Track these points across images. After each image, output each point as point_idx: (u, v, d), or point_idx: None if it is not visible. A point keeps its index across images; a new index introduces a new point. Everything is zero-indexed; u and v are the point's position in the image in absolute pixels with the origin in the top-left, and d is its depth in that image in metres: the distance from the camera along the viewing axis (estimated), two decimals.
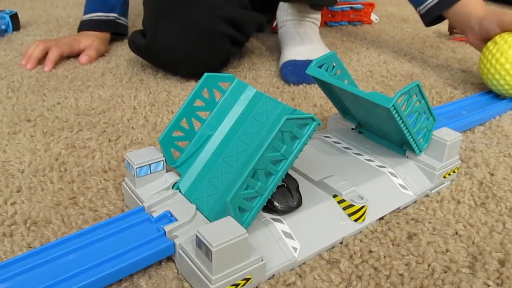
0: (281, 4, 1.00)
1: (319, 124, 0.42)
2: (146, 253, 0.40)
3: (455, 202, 0.53)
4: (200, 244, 0.37)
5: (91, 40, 0.98)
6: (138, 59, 0.95)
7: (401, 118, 0.49)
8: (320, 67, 0.55)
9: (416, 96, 0.50)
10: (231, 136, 0.48)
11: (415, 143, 0.52)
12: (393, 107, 0.47)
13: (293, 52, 0.90)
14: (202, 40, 0.80)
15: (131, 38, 0.86)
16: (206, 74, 0.49)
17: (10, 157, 0.61)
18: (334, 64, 0.56)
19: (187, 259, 0.40)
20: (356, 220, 0.47)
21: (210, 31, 0.80)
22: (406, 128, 0.50)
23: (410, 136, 0.51)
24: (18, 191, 0.54)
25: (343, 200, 0.47)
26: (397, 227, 0.48)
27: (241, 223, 0.40)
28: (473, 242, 0.47)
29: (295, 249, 0.43)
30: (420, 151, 0.54)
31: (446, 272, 0.43)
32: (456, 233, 0.48)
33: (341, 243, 0.46)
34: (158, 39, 0.80)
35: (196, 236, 0.38)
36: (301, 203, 0.46)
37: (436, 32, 1.21)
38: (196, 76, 0.86)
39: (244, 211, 0.41)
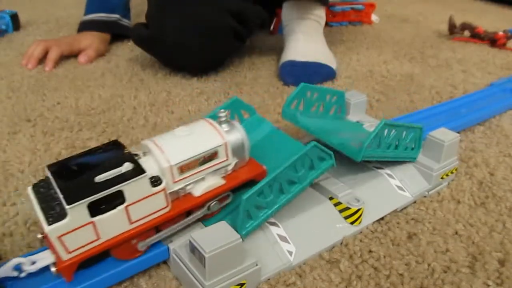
0: (285, 2, 0.99)
1: (333, 165, 0.45)
2: (140, 258, 0.40)
3: (455, 202, 0.53)
4: (193, 249, 0.37)
5: (91, 40, 0.98)
6: (138, 59, 0.95)
7: (379, 157, 0.49)
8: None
9: (388, 130, 0.49)
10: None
11: (406, 157, 0.53)
12: (363, 157, 0.47)
13: (294, 52, 0.89)
14: (205, 32, 0.80)
15: (133, 29, 0.86)
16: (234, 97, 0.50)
17: (10, 157, 0.61)
18: (308, 93, 0.56)
19: (180, 264, 0.40)
20: (352, 223, 0.47)
21: (214, 23, 0.80)
22: (390, 157, 0.51)
23: (397, 158, 0.52)
24: (18, 191, 0.54)
25: (339, 203, 0.47)
26: (397, 227, 0.48)
27: (243, 228, 0.40)
28: (473, 242, 0.47)
29: (290, 253, 0.43)
30: (414, 159, 0.54)
31: (446, 272, 0.43)
32: (456, 233, 0.48)
33: (341, 243, 0.46)
34: (161, 31, 0.80)
35: (190, 241, 0.38)
36: None
37: (436, 32, 1.21)
38: (196, 72, 0.86)
39: (249, 218, 0.41)
